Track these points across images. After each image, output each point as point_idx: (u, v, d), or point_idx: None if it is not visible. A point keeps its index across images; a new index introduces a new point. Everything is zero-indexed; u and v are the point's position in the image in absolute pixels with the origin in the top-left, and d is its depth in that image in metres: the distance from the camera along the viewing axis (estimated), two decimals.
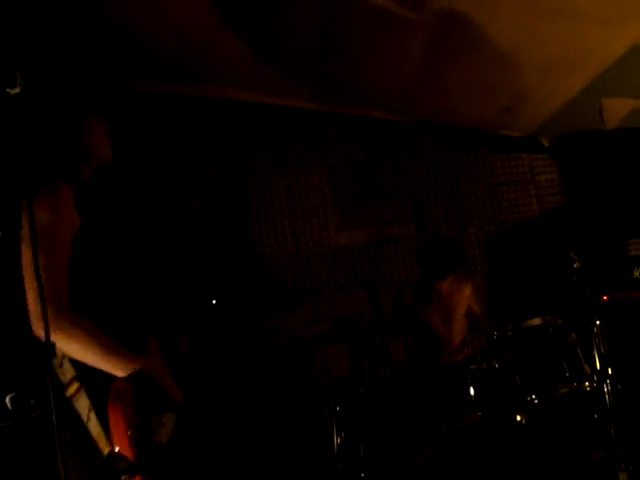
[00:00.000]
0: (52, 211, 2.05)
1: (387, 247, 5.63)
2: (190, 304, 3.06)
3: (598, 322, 3.45)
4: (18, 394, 1.56)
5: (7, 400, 1.58)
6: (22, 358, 1.75)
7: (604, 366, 3.40)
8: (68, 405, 1.91)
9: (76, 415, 1.92)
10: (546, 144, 5.84)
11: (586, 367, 3.57)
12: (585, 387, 3.53)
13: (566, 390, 3.55)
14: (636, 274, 4.71)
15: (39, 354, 1.52)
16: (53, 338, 1.91)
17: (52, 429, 1.42)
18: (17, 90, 1.51)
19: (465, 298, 4.57)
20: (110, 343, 2.04)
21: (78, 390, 1.91)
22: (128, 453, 1.96)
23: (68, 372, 1.87)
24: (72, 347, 1.96)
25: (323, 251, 5.55)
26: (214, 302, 3.33)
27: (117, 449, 1.95)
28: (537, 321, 3.68)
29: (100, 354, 2.00)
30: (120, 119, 2.47)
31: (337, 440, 3.93)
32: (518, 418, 3.50)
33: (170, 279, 4.96)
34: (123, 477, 1.93)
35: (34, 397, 1.54)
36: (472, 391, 3.62)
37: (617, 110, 5.06)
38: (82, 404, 1.92)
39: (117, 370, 2.04)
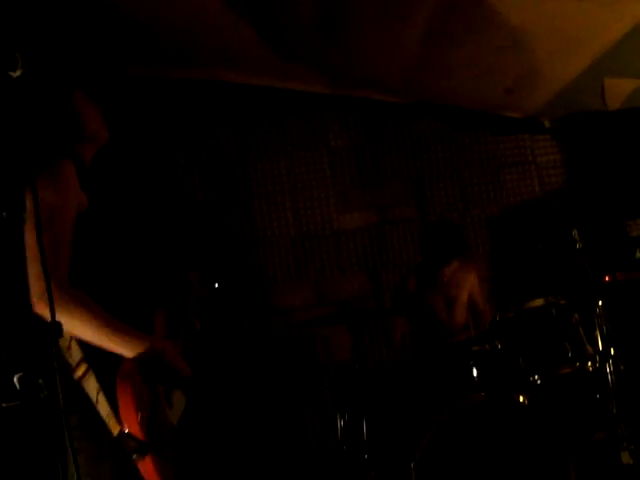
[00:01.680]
0: (53, 188, 2.04)
1: (389, 230, 5.62)
2: (192, 275, 3.05)
3: (600, 302, 3.46)
4: (26, 374, 1.57)
5: (15, 380, 1.58)
6: (30, 338, 1.75)
7: (606, 346, 3.42)
8: (76, 387, 1.92)
9: (84, 397, 1.93)
10: (547, 125, 5.82)
11: (588, 347, 3.58)
12: (587, 367, 3.54)
13: (568, 370, 3.57)
14: (638, 255, 4.71)
15: (46, 334, 1.53)
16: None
17: (57, 411, 1.42)
18: (19, 73, 1.51)
19: (469, 284, 4.58)
20: (114, 321, 2.03)
21: (86, 372, 1.91)
22: (138, 433, 1.96)
23: (76, 354, 1.87)
24: (73, 323, 1.94)
25: (325, 234, 5.55)
26: (216, 285, 3.33)
27: (127, 429, 1.96)
28: (539, 302, 3.68)
29: (104, 332, 1.99)
30: (119, 104, 2.47)
31: (340, 422, 3.95)
32: (521, 399, 3.52)
33: (176, 259, 4.96)
34: (134, 456, 1.94)
35: (42, 377, 1.54)
36: (475, 372, 3.63)
37: (619, 90, 5.04)
38: (91, 386, 1.92)
39: (124, 349, 2.03)
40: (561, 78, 4.92)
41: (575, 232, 3.57)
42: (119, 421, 1.95)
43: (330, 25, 4.47)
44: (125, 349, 2.03)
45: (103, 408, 1.95)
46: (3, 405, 1.68)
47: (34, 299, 1.87)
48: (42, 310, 1.87)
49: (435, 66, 4.92)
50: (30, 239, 1.89)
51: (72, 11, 4.21)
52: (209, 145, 5.50)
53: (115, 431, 1.95)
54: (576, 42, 4.33)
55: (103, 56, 4.65)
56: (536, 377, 3.54)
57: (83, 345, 1.95)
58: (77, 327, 1.96)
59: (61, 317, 1.92)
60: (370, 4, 4.17)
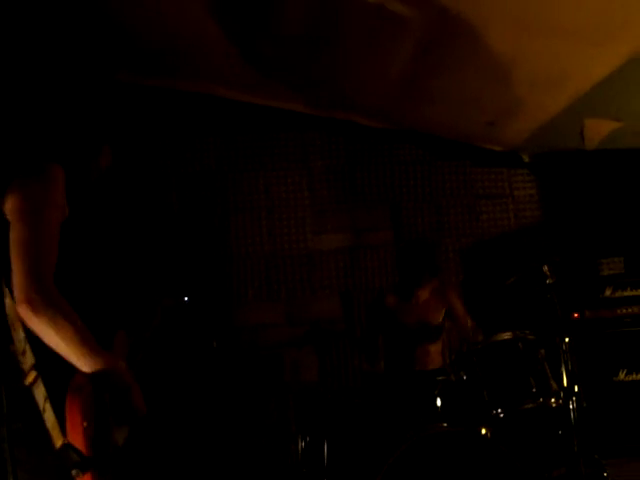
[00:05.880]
0: (41, 189, 2.07)
1: (363, 254, 5.63)
2: (165, 302, 3.04)
3: (567, 339, 3.48)
4: None
5: None
6: None
7: (571, 383, 3.43)
8: (25, 393, 1.88)
9: (32, 404, 1.88)
10: (526, 160, 5.88)
11: (553, 383, 3.59)
12: (551, 403, 3.55)
13: (532, 405, 3.56)
14: (607, 293, 4.75)
15: None
16: (33, 316, 1.90)
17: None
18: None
19: (443, 306, 4.58)
20: (88, 335, 2.00)
21: (36, 379, 1.87)
22: (81, 447, 1.92)
23: (29, 360, 1.84)
24: (49, 329, 1.92)
25: (299, 253, 5.54)
26: (186, 299, 3.31)
27: (70, 442, 1.91)
28: (507, 335, 3.69)
29: (75, 343, 1.96)
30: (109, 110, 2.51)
31: (301, 444, 3.92)
32: (483, 431, 3.51)
33: (146, 275, 4.92)
34: (73, 471, 1.88)
35: None
36: (439, 402, 3.62)
37: (598, 131, 5.10)
38: (39, 393, 1.88)
39: (84, 364, 2.00)
40: (542, 114, 4.97)
41: (546, 268, 3.58)
42: (63, 433, 1.91)
43: (317, 47, 4.49)
44: (84, 365, 2.00)
45: (49, 418, 1.90)
46: None
47: (19, 296, 1.87)
48: (23, 313, 1.86)
49: (419, 94, 4.96)
50: (15, 237, 1.89)
51: (65, 16, 4.20)
52: (188, 157, 5.48)
53: (58, 443, 1.89)
54: (559, 80, 4.38)
55: (93, 60, 4.64)
56: (499, 410, 3.53)
57: (36, 351, 1.91)
58: (50, 333, 1.93)
59: (39, 319, 1.89)
60: (354, 34, 4.20)
